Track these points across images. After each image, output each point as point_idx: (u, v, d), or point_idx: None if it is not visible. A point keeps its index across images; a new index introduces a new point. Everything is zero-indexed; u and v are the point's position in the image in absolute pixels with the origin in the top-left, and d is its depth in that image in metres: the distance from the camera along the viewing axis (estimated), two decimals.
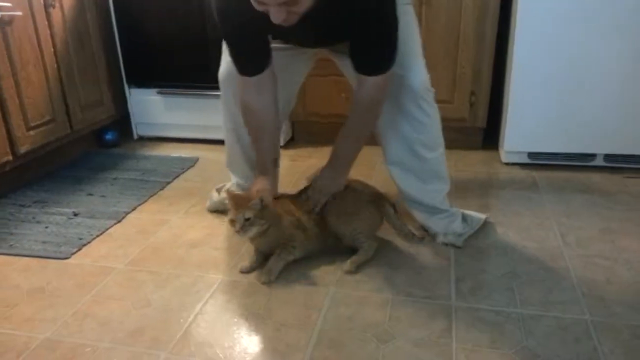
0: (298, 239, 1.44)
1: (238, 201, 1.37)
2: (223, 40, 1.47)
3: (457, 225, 1.58)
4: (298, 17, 1.17)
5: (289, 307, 1.31)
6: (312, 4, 1.15)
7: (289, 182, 2.06)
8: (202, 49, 2.33)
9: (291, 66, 1.58)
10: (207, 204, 1.85)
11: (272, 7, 1.11)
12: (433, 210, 1.58)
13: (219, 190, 1.85)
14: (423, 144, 1.50)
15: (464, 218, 1.61)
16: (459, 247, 1.54)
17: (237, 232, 1.34)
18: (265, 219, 1.37)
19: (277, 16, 1.13)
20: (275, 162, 1.56)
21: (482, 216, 1.66)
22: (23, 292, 1.40)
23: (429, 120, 1.48)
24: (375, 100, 1.38)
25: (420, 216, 1.60)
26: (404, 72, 1.40)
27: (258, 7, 1.13)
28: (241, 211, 1.34)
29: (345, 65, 1.51)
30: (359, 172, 2.11)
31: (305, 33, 1.33)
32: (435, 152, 1.53)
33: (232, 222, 1.35)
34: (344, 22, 1.26)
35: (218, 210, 1.82)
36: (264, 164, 1.51)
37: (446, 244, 1.56)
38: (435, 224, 1.58)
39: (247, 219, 1.33)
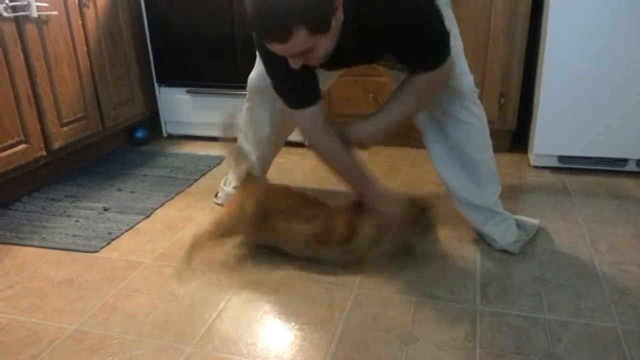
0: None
1: None
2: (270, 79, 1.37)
3: (514, 231, 1.54)
4: (321, 59, 1.14)
5: (312, 306, 1.31)
6: (329, 47, 1.11)
7: (316, 180, 2.06)
8: (231, 49, 2.36)
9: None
10: (219, 198, 1.88)
11: (288, 57, 1.10)
12: (488, 215, 1.53)
13: (226, 184, 1.89)
14: (472, 146, 1.47)
15: (518, 224, 1.57)
16: (513, 254, 1.51)
17: None
18: None
19: (294, 64, 1.12)
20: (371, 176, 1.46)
21: (536, 221, 1.62)
22: (54, 284, 1.44)
23: (476, 121, 1.46)
24: (434, 83, 1.29)
25: (476, 222, 1.56)
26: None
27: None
28: None
29: (390, 71, 1.49)
30: (383, 172, 2.11)
31: (343, 57, 1.25)
32: (486, 152, 1.50)
33: None
34: (383, 37, 1.20)
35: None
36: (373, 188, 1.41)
37: (505, 251, 1.52)
38: (492, 230, 1.53)
39: None
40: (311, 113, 1.32)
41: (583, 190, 1.92)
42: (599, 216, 1.72)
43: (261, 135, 1.74)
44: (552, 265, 1.45)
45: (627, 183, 1.96)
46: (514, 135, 2.29)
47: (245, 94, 1.73)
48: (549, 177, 2.05)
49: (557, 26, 1.90)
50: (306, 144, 1.44)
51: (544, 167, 2.12)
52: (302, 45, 1.05)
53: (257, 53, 1.51)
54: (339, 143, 1.36)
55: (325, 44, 1.10)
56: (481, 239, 1.58)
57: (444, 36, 1.23)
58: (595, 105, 1.95)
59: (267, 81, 1.40)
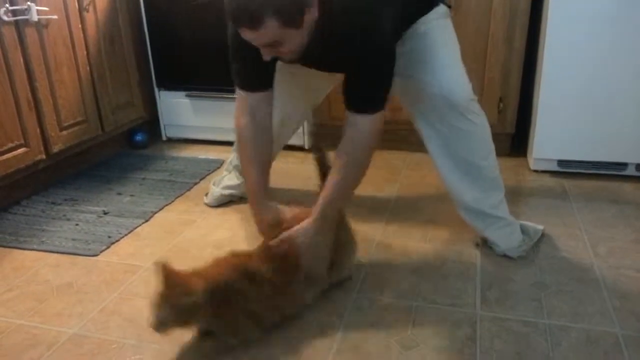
0: None
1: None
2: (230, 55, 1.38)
3: (518, 236, 1.54)
4: (292, 55, 1.16)
5: (312, 311, 1.31)
6: (300, 44, 1.12)
7: (312, 184, 2.06)
8: None
9: (313, 80, 1.57)
10: (209, 199, 1.89)
11: (259, 46, 1.11)
12: (491, 220, 1.52)
13: (216, 184, 1.89)
14: (475, 153, 1.47)
15: (523, 229, 1.57)
16: (513, 258, 1.51)
17: None
18: None
19: (265, 54, 1.13)
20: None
21: (540, 227, 1.62)
22: (53, 288, 1.43)
23: (477, 128, 1.45)
24: (362, 145, 1.26)
25: (479, 226, 1.54)
26: (443, 86, 1.36)
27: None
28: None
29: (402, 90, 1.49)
30: (382, 175, 2.11)
31: (311, 58, 1.26)
32: (489, 158, 1.50)
33: None
34: (344, 55, 1.21)
35: (222, 204, 1.88)
36: (258, 196, 1.40)
37: (505, 255, 1.52)
38: (494, 234, 1.53)
39: None
40: (255, 97, 1.35)
41: (582, 195, 1.92)
42: (598, 220, 1.72)
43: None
44: (551, 270, 1.45)
45: (627, 187, 1.97)
46: (513, 139, 2.29)
47: None
48: (548, 181, 2.05)
49: (556, 31, 1.90)
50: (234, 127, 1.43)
51: (543, 171, 2.12)
52: (271, 36, 1.07)
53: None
54: (264, 135, 1.38)
55: (295, 39, 1.11)
56: (483, 243, 1.58)
57: (385, 86, 1.23)
58: (594, 110, 1.96)
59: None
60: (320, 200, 1.28)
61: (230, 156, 1.92)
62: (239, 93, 1.38)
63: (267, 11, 1.02)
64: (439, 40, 1.39)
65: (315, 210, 1.28)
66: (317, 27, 1.13)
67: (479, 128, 1.46)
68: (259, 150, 1.39)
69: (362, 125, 1.24)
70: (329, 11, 1.12)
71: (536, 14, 2.07)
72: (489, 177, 1.50)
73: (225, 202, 1.90)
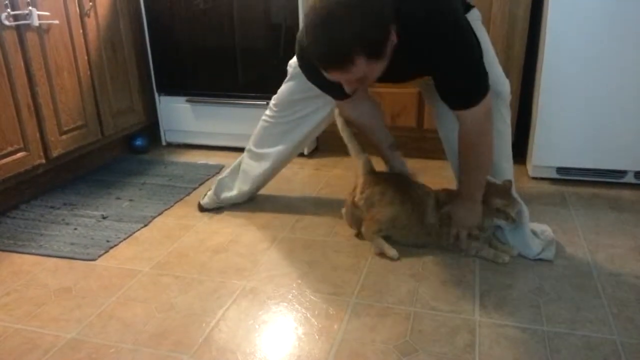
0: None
1: None
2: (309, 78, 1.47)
3: (536, 240, 1.54)
4: (372, 82, 1.19)
5: (310, 315, 1.31)
6: (381, 71, 1.14)
7: (314, 190, 2.07)
8: (232, 59, 2.37)
9: None
10: (205, 200, 1.89)
11: (344, 83, 1.13)
12: (517, 224, 1.54)
13: (218, 189, 1.89)
14: (502, 154, 1.50)
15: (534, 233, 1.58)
16: (550, 260, 1.53)
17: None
18: None
19: (349, 89, 1.16)
20: (393, 147, 1.66)
21: (544, 227, 1.62)
22: (51, 292, 1.43)
23: (507, 129, 1.49)
24: (480, 132, 1.32)
25: (507, 234, 1.56)
26: (492, 81, 1.37)
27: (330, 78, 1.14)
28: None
29: (425, 87, 1.56)
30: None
31: (390, 76, 1.28)
32: (510, 161, 1.54)
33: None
34: (427, 58, 1.23)
35: (214, 209, 1.89)
36: (383, 151, 1.65)
37: (541, 259, 1.53)
38: (521, 239, 1.54)
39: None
40: (354, 100, 1.45)
41: (581, 202, 1.92)
42: (597, 228, 1.72)
43: (274, 149, 1.78)
44: (550, 277, 1.45)
45: (626, 195, 1.97)
46: (513, 146, 2.29)
47: (247, 104, 1.76)
48: (547, 188, 2.05)
49: (556, 38, 1.91)
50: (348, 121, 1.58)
51: (542, 178, 2.12)
52: (360, 73, 1.08)
53: (292, 71, 1.63)
54: (371, 113, 1.55)
55: (379, 69, 1.13)
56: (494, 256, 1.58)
57: (481, 73, 1.25)
58: (593, 117, 1.96)
59: (298, 96, 1.58)
60: (458, 181, 1.49)
61: (235, 161, 1.91)
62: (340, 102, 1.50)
63: (356, 51, 1.04)
64: (483, 39, 1.41)
65: (458, 190, 1.50)
66: (395, 48, 1.14)
67: (508, 129, 1.51)
68: (374, 121, 1.58)
69: (472, 118, 1.28)
70: (403, 29, 1.13)
71: (535, 20, 2.08)
72: (510, 179, 1.53)
73: (217, 207, 1.91)
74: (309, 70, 1.37)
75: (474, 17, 1.43)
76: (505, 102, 1.47)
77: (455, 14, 1.20)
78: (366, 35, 1.03)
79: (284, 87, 1.69)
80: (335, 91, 1.40)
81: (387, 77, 1.27)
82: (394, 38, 1.11)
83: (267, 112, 1.75)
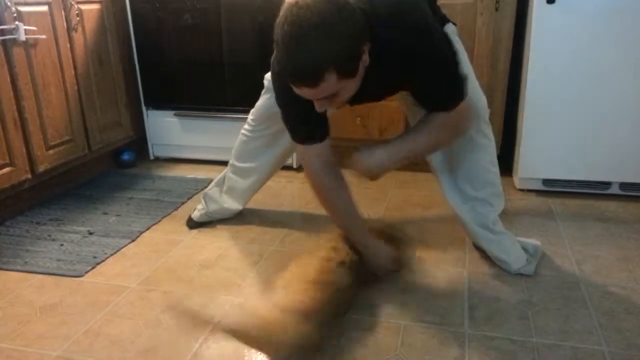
0: None
1: None
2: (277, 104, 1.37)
3: (523, 254, 1.54)
4: (344, 102, 1.17)
5: None
6: (354, 90, 1.13)
7: (301, 203, 2.07)
8: (219, 73, 2.38)
9: None
10: (196, 213, 1.89)
11: (314, 100, 1.11)
12: (500, 237, 1.54)
13: (207, 202, 1.87)
14: (485, 168, 1.50)
15: (522, 246, 1.58)
16: (530, 275, 1.52)
17: None
18: None
19: (319, 106, 1.14)
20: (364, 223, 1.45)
21: (537, 243, 1.62)
22: (36, 309, 1.41)
23: (489, 143, 1.50)
24: (455, 122, 1.30)
25: (488, 245, 1.56)
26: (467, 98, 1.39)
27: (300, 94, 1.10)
28: None
29: (404, 100, 1.53)
30: (370, 194, 2.11)
31: (365, 96, 1.28)
32: (496, 173, 1.54)
33: None
34: (404, 73, 1.23)
35: (205, 223, 1.89)
36: (363, 238, 1.41)
37: (496, 274, 1.53)
38: (504, 252, 1.53)
39: None
40: (317, 149, 1.33)
41: (568, 213, 1.94)
42: (583, 238, 1.74)
43: (256, 163, 1.78)
44: (538, 288, 1.46)
45: (611, 206, 1.99)
46: (499, 158, 2.31)
47: (235, 117, 1.75)
48: (534, 200, 2.07)
49: (540, 51, 1.94)
50: (307, 179, 1.43)
51: (529, 190, 2.14)
52: (330, 90, 1.07)
53: (268, 84, 1.59)
54: (340, 185, 1.37)
55: (351, 88, 1.12)
56: (472, 261, 1.59)
57: (459, 77, 1.26)
58: (578, 129, 1.99)
59: (275, 109, 1.41)
60: (400, 137, 1.33)
61: (221, 174, 1.90)
62: (301, 148, 1.36)
63: (326, 68, 1.02)
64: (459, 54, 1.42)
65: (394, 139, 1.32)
66: (367, 68, 1.13)
67: (491, 143, 1.51)
68: (345, 198, 1.38)
69: (448, 116, 1.27)
70: (375, 46, 1.12)
71: (520, 33, 2.11)
72: (494, 192, 1.54)
73: (208, 220, 1.90)
74: (283, 98, 1.31)
75: (451, 32, 1.43)
76: (483, 117, 1.47)
77: (429, 29, 1.20)
78: (338, 52, 1.02)
79: (260, 101, 1.68)
80: (303, 127, 1.33)
81: (362, 97, 1.25)
82: (366, 57, 1.11)
83: (246, 126, 1.75)
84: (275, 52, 1.10)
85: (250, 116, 1.73)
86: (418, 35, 1.17)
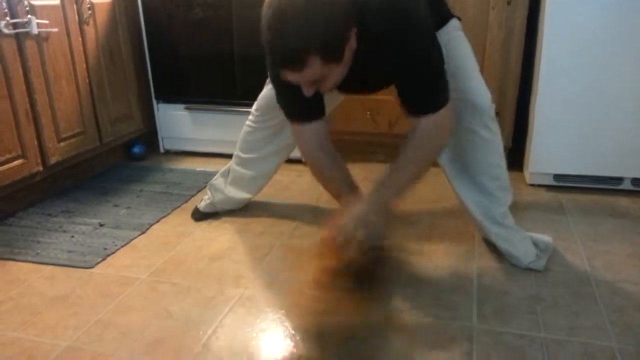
0: None
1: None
2: (272, 83, 1.39)
3: (533, 249, 1.53)
4: (332, 87, 1.16)
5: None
6: (341, 75, 1.13)
7: (312, 197, 2.07)
8: (230, 66, 2.38)
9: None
10: (202, 204, 1.90)
11: (300, 84, 1.11)
12: (510, 232, 1.53)
13: (213, 192, 1.88)
14: (491, 162, 1.49)
15: (534, 242, 1.56)
16: (540, 271, 1.51)
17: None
18: None
19: (307, 91, 1.13)
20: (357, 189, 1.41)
21: (547, 238, 1.59)
22: (47, 300, 1.43)
23: (495, 138, 1.49)
24: (433, 137, 1.27)
25: (499, 241, 1.55)
26: (468, 95, 1.40)
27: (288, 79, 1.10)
28: None
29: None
30: None
31: (352, 83, 1.26)
32: (503, 167, 1.53)
33: None
34: (388, 66, 1.22)
35: (211, 214, 1.90)
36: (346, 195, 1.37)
37: (529, 269, 1.52)
38: (514, 247, 1.52)
39: None
40: (312, 128, 1.34)
41: (579, 209, 1.92)
42: (594, 234, 1.73)
43: (261, 154, 1.77)
44: (548, 283, 1.45)
45: (623, 201, 1.97)
46: (510, 153, 2.30)
47: (245, 111, 1.76)
48: (544, 195, 2.05)
49: (552, 45, 1.92)
50: (303, 159, 1.44)
51: (539, 185, 2.13)
52: (315, 75, 1.07)
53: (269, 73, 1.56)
54: (336, 162, 1.37)
55: (337, 73, 1.11)
56: (479, 255, 1.58)
57: (441, 79, 1.24)
58: (590, 124, 1.97)
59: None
60: (379, 187, 1.27)
61: (227, 165, 1.90)
62: (296, 126, 1.37)
63: (310, 52, 1.01)
64: (460, 51, 1.42)
65: (374, 193, 1.26)
66: (355, 53, 1.13)
67: (497, 137, 1.49)
68: (339, 173, 1.39)
69: (426, 125, 1.24)
70: (364, 35, 1.12)
71: (532, 27, 2.09)
72: (503, 186, 1.53)
73: (214, 211, 1.91)
74: (277, 79, 1.29)
75: (453, 28, 1.42)
76: (487, 111, 1.45)
77: (418, 24, 1.19)
78: (322, 36, 1.01)
79: (264, 92, 1.68)
80: (297, 106, 1.33)
81: (349, 85, 1.24)
82: (353, 42, 1.10)
83: (250, 117, 1.75)
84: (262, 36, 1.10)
85: (254, 107, 1.73)
86: (405, 29, 1.16)
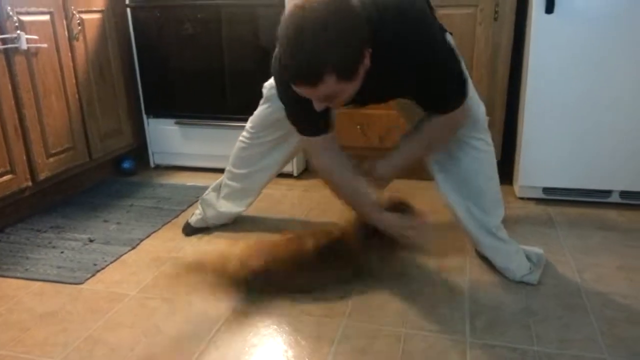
0: None
1: None
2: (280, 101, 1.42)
3: (526, 262, 1.54)
4: (342, 104, 1.20)
5: (300, 338, 1.29)
6: (353, 93, 1.16)
7: (301, 212, 2.07)
8: (220, 81, 2.39)
9: None
10: (193, 218, 1.89)
11: (312, 99, 1.14)
12: (503, 245, 1.54)
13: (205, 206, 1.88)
14: (485, 174, 1.51)
15: (526, 255, 1.57)
16: (533, 284, 1.52)
17: None
18: None
19: (318, 107, 1.17)
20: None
21: (540, 251, 1.61)
22: (36, 316, 1.41)
23: (490, 149, 1.52)
24: (449, 129, 1.38)
25: (492, 254, 1.56)
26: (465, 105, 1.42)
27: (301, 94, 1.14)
28: None
29: (401, 105, 1.57)
30: None
31: (368, 97, 1.33)
32: (496, 180, 1.55)
33: None
34: (406, 77, 1.25)
35: (202, 229, 1.89)
36: (376, 214, 1.45)
37: (523, 282, 1.52)
38: (506, 260, 1.54)
39: None
40: (323, 140, 1.38)
41: (568, 222, 1.94)
42: (584, 247, 1.74)
43: (253, 169, 1.79)
44: (539, 296, 1.46)
45: (612, 214, 1.99)
46: (499, 166, 2.31)
47: (235, 126, 1.77)
48: (534, 209, 2.07)
49: (539, 60, 1.95)
50: (318, 172, 1.49)
51: (529, 199, 2.14)
52: (329, 91, 1.09)
53: (267, 93, 1.63)
54: (349, 169, 1.42)
55: (350, 90, 1.14)
56: (472, 267, 1.59)
57: (461, 78, 1.29)
58: (578, 137, 2.00)
59: (273, 117, 1.54)
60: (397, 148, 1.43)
61: (218, 180, 1.90)
62: (307, 139, 1.41)
63: (326, 69, 1.05)
64: None
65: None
66: (371, 69, 1.15)
67: (491, 150, 1.53)
68: (355, 180, 1.43)
69: (447, 118, 1.32)
70: (380, 50, 1.15)
71: (519, 42, 2.12)
72: (495, 198, 1.55)
73: (205, 226, 1.90)
74: (288, 95, 1.32)
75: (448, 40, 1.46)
76: (482, 123, 1.49)
77: (433, 32, 1.23)
78: (339, 54, 1.05)
79: (259, 110, 1.70)
80: (307, 122, 1.37)
81: (365, 99, 1.30)
82: (367, 61, 1.13)
83: (244, 133, 1.76)
84: (277, 49, 1.12)
85: (249, 124, 1.74)
86: (422, 40, 1.20)
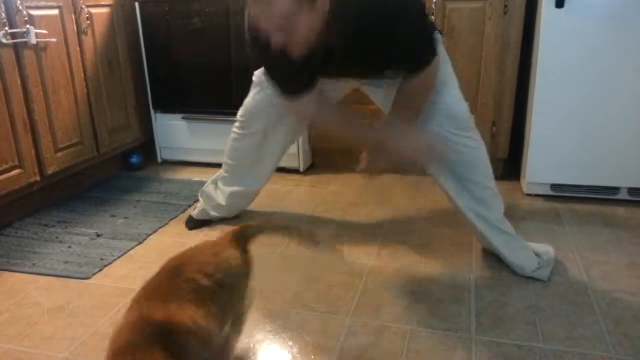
0: None
1: None
2: (263, 69, 1.47)
3: (535, 258, 1.54)
4: (305, 45, 1.19)
5: (305, 335, 1.30)
6: (312, 28, 1.16)
7: (309, 207, 2.07)
8: (227, 77, 2.39)
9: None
10: (195, 212, 1.91)
11: (270, 30, 1.14)
12: (510, 240, 1.55)
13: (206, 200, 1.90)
14: (479, 172, 1.51)
15: (536, 251, 1.57)
16: (543, 280, 1.52)
17: None
18: None
19: (277, 39, 1.15)
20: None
21: (548, 248, 1.60)
22: (44, 311, 1.42)
23: (479, 145, 1.51)
24: (425, 88, 1.39)
25: (501, 249, 1.55)
26: (451, 109, 1.44)
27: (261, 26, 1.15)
28: None
29: (375, 94, 1.57)
30: (375, 198, 2.11)
31: (340, 63, 1.34)
32: (491, 175, 1.54)
33: None
34: (373, 35, 1.26)
35: (205, 222, 1.90)
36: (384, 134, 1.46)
37: (533, 278, 1.52)
38: (515, 256, 1.54)
39: None
40: (309, 97, 1.40)
41: (576, 219, 1.93)
42: (592, 244, 1.73)
43: (247, 163, 1.79)
44: (546, 294, 1.45)
45: (620, 211, 1.98)
46: (507, 163, 2.31)
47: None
48: (542, 205, 2.06)
49: (548, 56, 1.94)
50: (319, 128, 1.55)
51: (537, 195, 2.13)
52: (284, 10, 1.08)
53: (256, 79, 1.63)
54: (340, 111, 1.48)
55: (308, 22, 1.13)
56: (478, 266, 1.58)
57: (430, 36, 1.32)
58: (587, 135, 1.98)
59: (262, 105, 1.56)
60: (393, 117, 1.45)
61: (217, 173, 1.91)
62: (296, 104, 1.44)
63: None
64: (445, 68, 1.46)
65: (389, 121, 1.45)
66: (332, 25, 1.17)
67: (481, 145, 1.51)
68: (348, 118, 1.50)
69: (421, 79, 1.35)
70: (344, 11, 1.18)
71: (528, 39, 2.11)
72: (492, 194, 1.54)
73: (207, 219, 1.91)
74: (266, 60, 1.39)
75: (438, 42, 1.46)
76: (467, 121, 1.49)
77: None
78: None
79: (248, 99, 1.70)
80: (289, 77, 1.39)
81: (336, 69, 1.33)
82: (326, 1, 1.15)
83: (236, 124, 1.76)
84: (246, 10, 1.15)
85: (240, 112, 1.74)
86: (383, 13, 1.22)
